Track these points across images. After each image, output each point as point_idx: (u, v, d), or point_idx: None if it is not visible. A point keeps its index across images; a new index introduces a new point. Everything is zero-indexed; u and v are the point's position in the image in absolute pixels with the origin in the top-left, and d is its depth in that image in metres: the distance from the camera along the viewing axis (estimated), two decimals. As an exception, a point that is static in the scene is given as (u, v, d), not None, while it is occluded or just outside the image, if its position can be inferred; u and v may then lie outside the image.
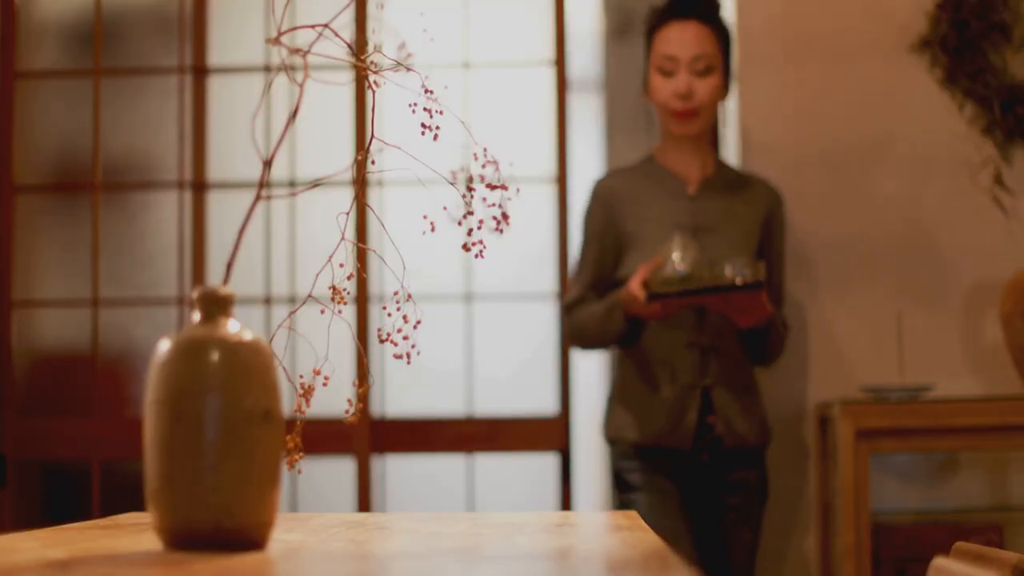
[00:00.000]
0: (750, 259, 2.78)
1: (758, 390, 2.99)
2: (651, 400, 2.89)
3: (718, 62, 2.93)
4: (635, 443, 2.90)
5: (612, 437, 2.97)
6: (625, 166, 3.09)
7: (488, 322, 3.71)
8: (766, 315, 2.78)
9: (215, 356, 1.28)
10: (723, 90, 2.97)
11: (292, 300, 3.67)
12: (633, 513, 1.91)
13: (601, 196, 3.01)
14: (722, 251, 2.85)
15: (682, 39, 2.91)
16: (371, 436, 3.53)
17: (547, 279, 3.65)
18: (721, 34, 2.95)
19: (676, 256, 2.70)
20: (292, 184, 3.69)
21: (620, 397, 2.97)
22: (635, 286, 2.72)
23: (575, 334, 2.99)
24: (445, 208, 1.56)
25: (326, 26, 1.43)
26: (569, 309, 3.01)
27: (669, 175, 2.98)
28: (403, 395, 3.64)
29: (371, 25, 3.48)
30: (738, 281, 2.66)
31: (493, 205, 1.55)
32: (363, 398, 1.67)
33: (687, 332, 2.88)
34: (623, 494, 2.93)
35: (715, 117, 3.00)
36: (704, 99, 2.90)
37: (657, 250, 2.78)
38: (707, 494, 2.91)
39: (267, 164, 1.40)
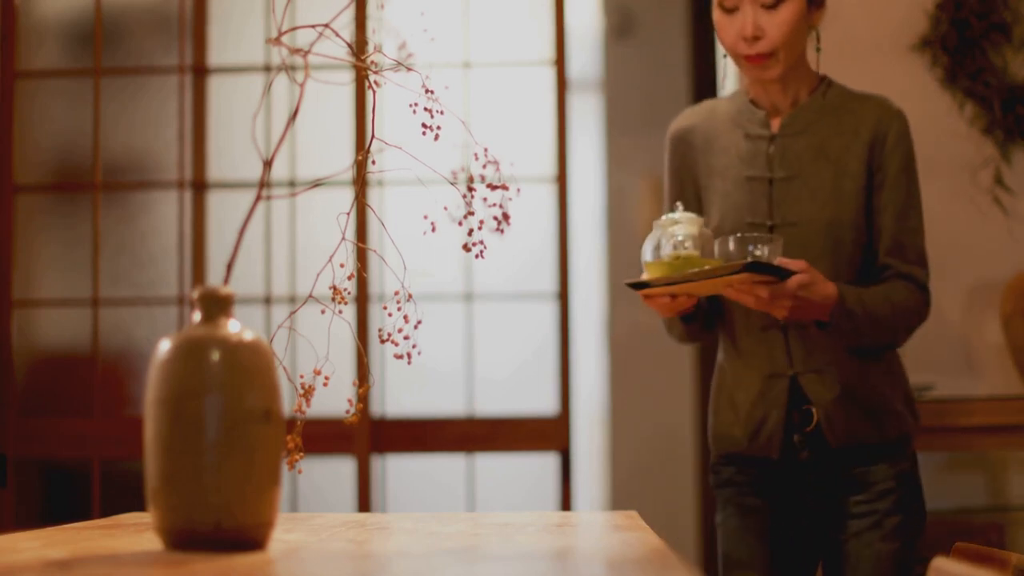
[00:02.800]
0: (768, 235, 2.21)
1: (886, 374, 2.29)
2: (732, 395, 2.33)
3: None
4: (720, 450, 2.36)
5: (709, 442, 2.43)
6: (711, 101, 2.50)
7: (488, 322, 3.71)
8: (811, 307, 2.15)
9: (215, 356, 1.28)
10: (807, 17, 2.30)
11: (292, 300, 3.67)
12: (633, 513, 1.90)
13: (674, 142, 2.44)
14: (802, 204, 2.27)
15: None
16: (371, 436, 3.53)
17: (547, 279, 3.65)
18: None
19: (677, 231, 2.18)
20: (292, 184, 3.69)
21: (715, 392, 2.40)
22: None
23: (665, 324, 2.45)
24: (446, 208, 1.56)
25: (326, 26, 1.43)
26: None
27: (753, 111, 2.36)
28: (403, 395, 3.64)
29: (371, 25, 3.47)
30: (743, 262, 2.07)
31: (494, 205, 1.56)
32: (363, 398, 1.67)
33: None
34: (716, 514, 2.39)
35: (800, 51, 2.32)
36: (778, 38, 2.26)
37: (659, 223, 2.23)
38: (822, 509, 2.28)
39: (267, 164, 1.40)
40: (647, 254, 2.20)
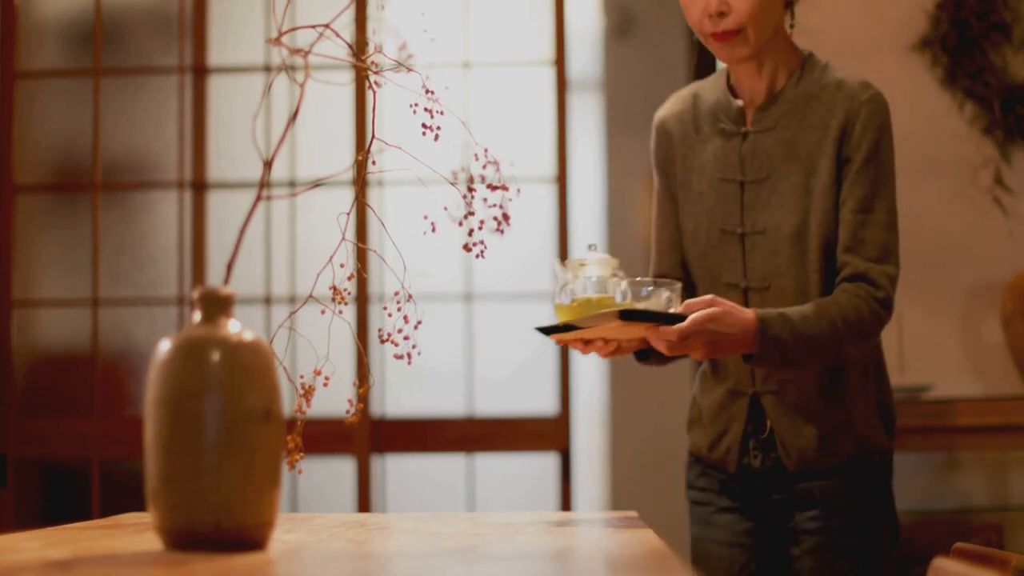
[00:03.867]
0: (668, 279, 2.09)
1: (858, 387, 2.18)
2: (700, 402, 2.28)
3: None
4: (689, 447, 2.32)
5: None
6: (697, 84, 2.32)
7: (488, 322, 3.71)
8: (729, 340, 1.99)
9: (215, 356, 1.28)
10: None
11: (292, 300, 3.67)
12: (633, 513, 1.90)
13: (658, 132, 2.29)
14: (771, 210, 2.13)
15: None
16: (371, 436, 3.53)
17: (547, 279, 3.65)
18: None
19: (589, 273, 2.05)
20: (292, 184, 3.69)
21: (695, 396, 2.33)
22: None
23: None
24: (446, 208, 1.56)
25: (326, 26, 1.43)
26: None
27: (729, 102, 2.20)
28: (403, 395, 3.64)
29: (371, 25, 3.48)
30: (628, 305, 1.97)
31: (494, 205, 1.56)
32: (363, 398, 1.67)
33: None
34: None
35: (774, 28, 2.13)
36: (745, 14, 2.06)
37: (569, 264, 2.09)
38: (779, 522, 2.21)
39: (267, 164, 1.40)
40: (556, 296, 2.09)
